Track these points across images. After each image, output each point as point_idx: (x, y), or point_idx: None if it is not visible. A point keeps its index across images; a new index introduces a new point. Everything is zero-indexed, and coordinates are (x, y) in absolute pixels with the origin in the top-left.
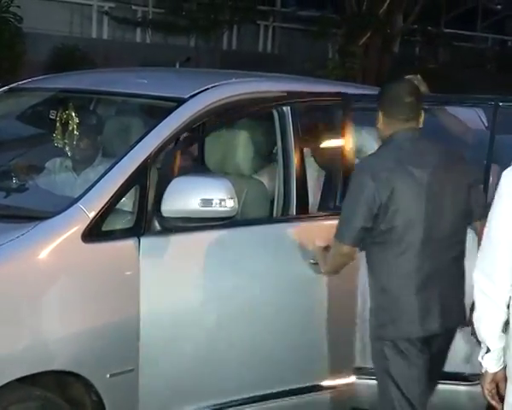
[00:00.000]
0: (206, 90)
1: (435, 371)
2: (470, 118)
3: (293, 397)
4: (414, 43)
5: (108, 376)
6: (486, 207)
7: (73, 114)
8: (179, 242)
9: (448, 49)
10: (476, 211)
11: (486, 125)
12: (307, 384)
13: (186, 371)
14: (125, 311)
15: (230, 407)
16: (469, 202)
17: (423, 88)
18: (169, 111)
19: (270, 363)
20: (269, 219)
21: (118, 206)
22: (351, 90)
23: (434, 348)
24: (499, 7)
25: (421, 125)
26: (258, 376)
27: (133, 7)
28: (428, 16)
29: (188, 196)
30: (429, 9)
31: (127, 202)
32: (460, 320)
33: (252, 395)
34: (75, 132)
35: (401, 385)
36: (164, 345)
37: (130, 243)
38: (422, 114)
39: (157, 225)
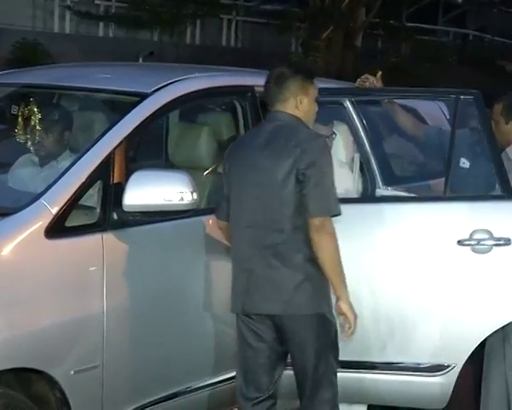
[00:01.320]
0: (169, 84)
1: (287, 357)
2: (432, 111)
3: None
4: (376, 36)
5: (73, 372)
6: (324, 203)
7: (36, 110)
8: (142, 236)
9: (410, 42)
10: (310, 207)
11: (448, 117)
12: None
13: (149, 364)
14: (89, 307)
15: (187, 393)
16: (303, 194)
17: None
18: (132, 106)
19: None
20: None
21: (81, 201)
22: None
23: (280, 334)
24: (460, 1)
25: (289, 110)
26: (214, 363)
27: (96, 1)
28: (390, 10)
29: (149, 189)
30: (391, 3)
31: (90, 198)
32: (289, 309)
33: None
34: (38, 128)
35: (240, 358)
36: (128, 340)
37: (93, 238)
38: (296, 100)
39: (119, 220)
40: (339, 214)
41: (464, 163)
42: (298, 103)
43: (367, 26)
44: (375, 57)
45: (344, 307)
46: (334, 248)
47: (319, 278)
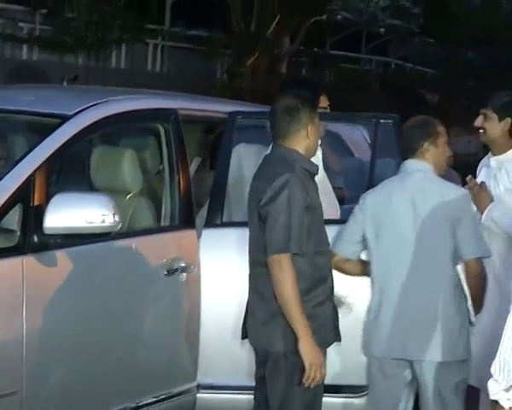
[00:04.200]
0: (91, 106)
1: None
2: (354, 136)
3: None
4: (301, 64)
5: None
6: (278, 240)
7: None
8: (62, 259)
9: (334, 70)
10: (266, 244)
11: (369, 142)
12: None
13: (71, 388)
14: (8, 331)
15: None
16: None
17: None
18: (53, 128)
19: (143, 373)
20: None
21: (1, 224)
22: (237, 107)
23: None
24: (382, 30)
25: (298, 143)
26: (133, 387)
27: (20, 23)
28: (314, 38)
29: (70, 212)
30: (315, 32)
31: (11, 221)
32: (260, 343)
33: (131, 405)
34: None
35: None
36: (48, 365)
37: (13, 261)
38: (306, 130)
39: (40, 243)
40: (297, 253)
41: None
42: (308, 134)
43: (292, 53)
44: None
45: (302, 349)
46: (289, 287)
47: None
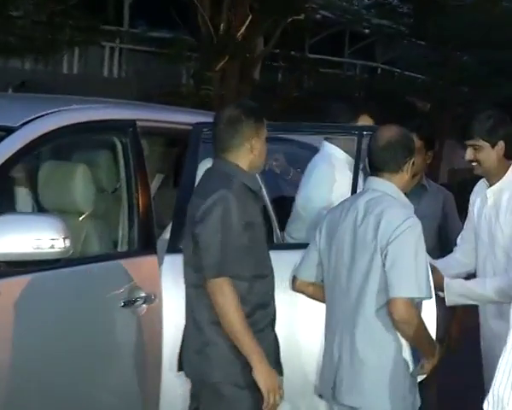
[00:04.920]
0: (40, 117)
1: None
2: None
3: None
4: (276, 69)
5: None
6: (212, 263)
7: None
8: (4, 289)
9: (313, 75)
10: (203, 268)
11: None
12: None
13: None
14: None
15: None
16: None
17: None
18: None
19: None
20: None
21: None
22: (204, 118)
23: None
24: (367, 31)
25: (241, 157)
26: None
27: None
28: (291, 40)
29: (14, 236)
30: (292, 33)
31: None
32: (193, 374)
33: None
34: None
35: None
36: None
37: None
38: (250, 144)
39: None
40: (232, 276)
41: None
42: (252, 148)
43: (266, 57)
44: (275, 91)
45: (257, 376)
46: (233, 312)
47: (223, 344)
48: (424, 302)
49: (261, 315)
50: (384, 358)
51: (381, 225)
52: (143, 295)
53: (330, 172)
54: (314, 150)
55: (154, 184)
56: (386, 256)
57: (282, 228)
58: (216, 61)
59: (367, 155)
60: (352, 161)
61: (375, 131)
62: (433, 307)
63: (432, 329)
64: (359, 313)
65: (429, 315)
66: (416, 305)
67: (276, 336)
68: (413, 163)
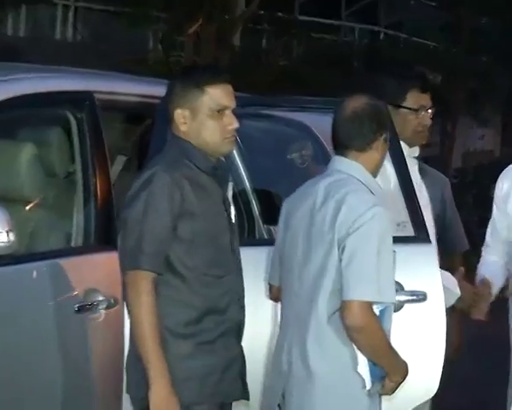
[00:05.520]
0: None
1: None
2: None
3: None
4: (261, 33)
5: None
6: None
7: None
8: None
9: (304, 41)
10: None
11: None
12: None
13: None
14: None
15: None
16: None
17: None
18: None
19: None
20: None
21: None
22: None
23: None
24: None
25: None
26: None
27: None
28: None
29: None
30: None
31: None
32: (129, 391)
33: None
34: None
35: None
36: None
37: None
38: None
39: None
40: (149, 270)
41: None
42: (200, 121)
43: (247, 18)
44: (259, 59)
45: (150, 398)
46: (143, 314)
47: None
48: (434, 317)
49: (212, 323)
50: (337, 371)
51: (340, 214)
52: (101, 298)
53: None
54: (301, 128)
55: (115, 168)
56: (343, 250)
57: (272, 221)
58: (188, 23)
59: (331, 130)
60: None
61: (341, 102)
62: (442, 322)
63: (440, 348)
64: (311, 316)
65: (438, 332)
66: (372, 311)
67: (241, 350)
68: (386, 140)
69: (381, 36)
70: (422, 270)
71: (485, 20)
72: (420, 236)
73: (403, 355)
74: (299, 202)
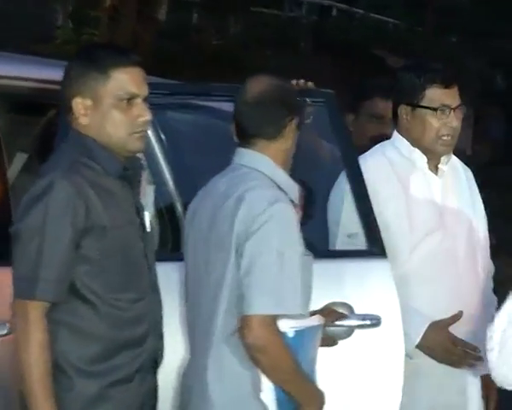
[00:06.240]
0: None
1: None
2: None
3: None
4: (190, 6)
5: None
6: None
7: None
8: None
9: (242, 17)
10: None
11: None
12: None
13: None
14: None
15: None
16: None
17: None
18: None
19: None
20: None
21: None
22: None
23: None
24: None
25: None
26: None
27: None
28: None
29: None
30: None
31: None
32: None
33: None
34: None
35: None
36: None
37: None
38: None
39: None
40: (45, 300)
41: None
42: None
43: None
44: (189, 37)
45: None
46: (29, 357)
47: None
48: (389, 344)
49: (128, 358)
50: (236, 399)
51: (238, 214)
52: None
53: None
54: None
55: (14, 167)
56: (241, 257)
57: None
58: None
59: (233, 117)
60: None
61: (242, 86)
62: (400, 351)
63: (397, 381)
64: (210, 336)
65: (395, 363)
66: (275, 328)
67: (155, 383)
68: (297, 126)
69: (334, 12)
70: (376, 289)
71: None
72: (373, 249)
73: (354, 388)
74: (200, 204)
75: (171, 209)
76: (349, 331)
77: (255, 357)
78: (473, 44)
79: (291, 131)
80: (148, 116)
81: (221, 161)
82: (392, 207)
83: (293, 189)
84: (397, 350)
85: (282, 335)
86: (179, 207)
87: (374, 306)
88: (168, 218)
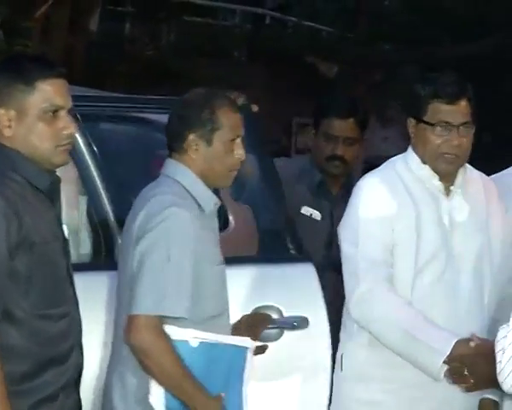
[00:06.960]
0: None
1: None
2: None
3: None
4: (123, 16)
5: None
6: None
7: None
8: None
9: (175, 26)
10: None
11: None
12: None
13: None
14: None
15: None
16: None
17: None
18: None
19: None
20: None
21: None
22: None
23: None
24: None
25: None
26: None
27: None
28: None
29: None
30: None
31: None
32: None
33: None
34: None
35: None
36: None
37: None
38: None
39: None
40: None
41: None
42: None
43: (108, 0)
44: (120, 48)
45: None
46: None
47: None
48: (317, 345)
49: (53, 375)
50: (130, 404)
51: (140, 213)
52: None
53: None
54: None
55: None
56: (134, 258)
57: None
58: (35, 5)
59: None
60: None
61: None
62: (327, 351)
63: (325, 380)
64: (119, 344)
65: (323, 363)
66: (160, 330)
67: (79, 399)
68: (206, 139)
69: (267, 20)
70: (303, 293)
71: (387, 1)
72: (298, 254)
73: (283, 389)
74: (129, 215)
75: (103, 219)
76: (279, 334)
77: (139, 359)
78: (405, 51)
79: (194, 145)
80: (72, 129)
81: (152, 171)
82: (402, 225)
83: (209, 200)
84: (324, 350)
85: (172, 340)
86: (111, 217)
87: (301, 309)
88: (100, 228)
